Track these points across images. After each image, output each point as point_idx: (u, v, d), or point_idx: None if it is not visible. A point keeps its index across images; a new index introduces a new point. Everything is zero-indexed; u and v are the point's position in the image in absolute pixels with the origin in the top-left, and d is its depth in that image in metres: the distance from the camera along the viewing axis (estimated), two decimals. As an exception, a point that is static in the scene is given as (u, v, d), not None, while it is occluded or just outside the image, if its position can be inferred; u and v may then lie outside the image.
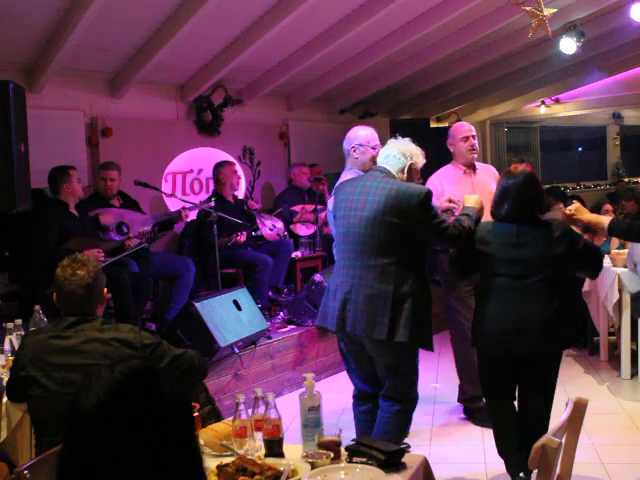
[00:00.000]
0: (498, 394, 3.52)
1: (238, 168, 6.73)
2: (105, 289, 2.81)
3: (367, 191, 3.36)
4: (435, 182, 4.55)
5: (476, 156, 4.67)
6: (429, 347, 3.38)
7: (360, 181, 3.48)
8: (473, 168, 4.64)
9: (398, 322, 3.24)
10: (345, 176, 4.01)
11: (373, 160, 3.98)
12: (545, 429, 3.24)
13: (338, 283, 3.41)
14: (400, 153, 3.44)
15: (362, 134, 4.03)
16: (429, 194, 3.32)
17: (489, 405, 3.63)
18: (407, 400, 3.39)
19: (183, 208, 5.75)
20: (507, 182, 3.43)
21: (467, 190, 4.20)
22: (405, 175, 3.43)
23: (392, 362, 3.34)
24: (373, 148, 3.99)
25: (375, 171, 3.47)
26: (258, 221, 6.41)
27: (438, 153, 8.28)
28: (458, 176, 4.57)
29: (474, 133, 4.66)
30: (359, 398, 3.58)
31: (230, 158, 6.87)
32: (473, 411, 4.60)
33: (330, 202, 3.96)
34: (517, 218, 3.37)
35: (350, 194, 3.43)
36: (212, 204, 5.70)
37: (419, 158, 3.49)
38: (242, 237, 6.10)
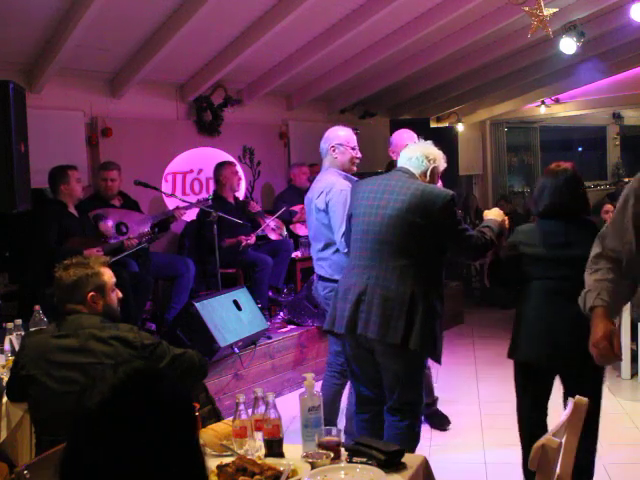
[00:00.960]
0: (535, 409, 3.33)
1: (239, 169, 6.73)
2: (92, 294, 2.82)
3: (391, 190, 3.27)
4: None
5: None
6: (438, 359, 3.26)
7: (383, 180, 3.39)
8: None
9: (413, 328, 3.12)
10: (326, 176, 3.98)
11: (352, 161, 4.00)
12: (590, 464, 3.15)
13: (351, 283, 3.28)
14: (423, 156, 3.37)
15: (342, 134, 4.01)
16: (455, 198, 3.24)
17: (524, 422, 3.39)
18: (415, 413, 3.28)
19: (177, 207, 5.75)
20: (546, 180, 3.35)
21: None
22: (427, 178, 3.36)
23: (402, 370, 3.21)
24: (353, 149, 3.98)
25: (397, 171, 3.39)
26: (261, 221, 6.42)
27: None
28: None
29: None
30: (360, 404, 3.46)
31: (230, 158, 6.87)
32: (430, 416, 4.58)
33: (321, 201, 3.91)
34: (562, 216, 3.26)
35: (372, 192, 3.33)
36: (209, 203, 5.69)
37: (441, 162, 3.43)
38: (251, 239, 6.08)
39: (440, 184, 3.58)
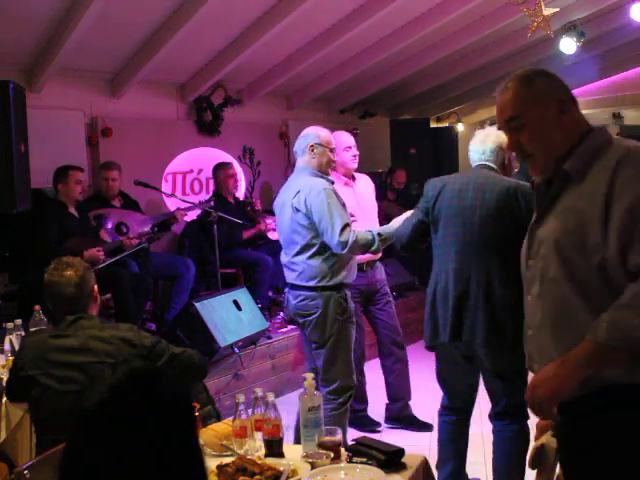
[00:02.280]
0: None
1: (237, 168, 6.73)
2: (96, 287, 2.82)
3: (483, 189, 3.17)
4: None
5: (356, 166, 4.45)
6: None
7: (468, 178, 3.26)
8: (353, 178, 4.47)
9: (520, 331, 3.11)
10: (300, 176, 3.70)
11: (329, 164, 3.75)
12: None
13: (449, 289, 3.16)
14: (497, 146, 3.25)
15: (322, 134, 3.75)
16: None
17: None
18: (524, 414, 3.20)
19: (178, 208, 5.76)
20: None
21: (350, 202, 3.99)
22: (506, 170, 3.28)
23: (511, 373, 3.16)
24: (331, 151, 3.75)
25: (479, 168, 3.27)
26: (262, 221, 6.42)
27: (438, 153, 8.33)
28: (339, 187, 4.05)
29: (354, 143, 4.43)
30: (447, 408, 3.42)
31: (230, 158, 6.88)
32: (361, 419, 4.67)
33: (299, 201, 3.59)
34: None
35: (461, 192, 3.20)
36: (211, 204, 5.69)
37: None
38: (270, 224, 6.09)
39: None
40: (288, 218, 3.67)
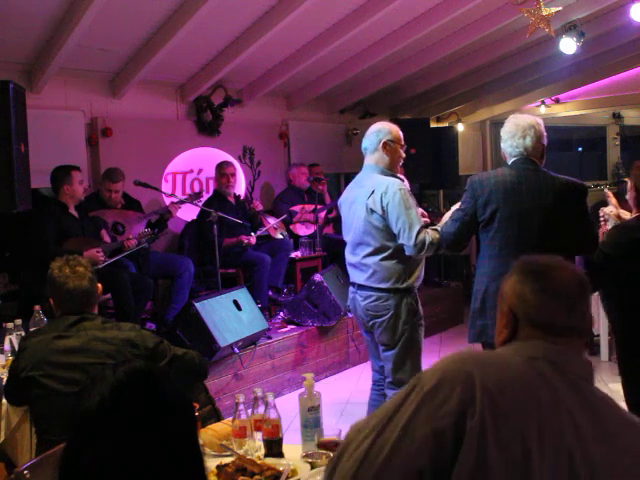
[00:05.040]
0: None
1: (237, 167, 6.72)
2: (100, 286, 2.83)
3: (534, 187, 3.14)
4: None
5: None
6: None
7: (520, 176, 3.19)
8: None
9: None
10: (373, 175, 3.53)
11: (399, 162, 3.63)
12: None
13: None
14: (537, 138, 3.22)
15: (394, 130, 3.58)
16: None
17: None
18: None
19: (172, 202, 5.76)
20: None
21: None
22: (542, 161, 3.24)
23: None
24: (401, 148, 3.62)
25: (521, 163, 3.21)
26: (263, 220, 6.42)
27: (438, 153, 8.32)
28: None
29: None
30: None
31: (230, 158, 6.88)
32: None
33: (374, 201, 3.46)
34: None
35: (515, 191, 3.16)
36: (202, 198, 5.71)
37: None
38: (253, 239, 6.08)
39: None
40: (360, 218, 3.55)
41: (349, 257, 3.68)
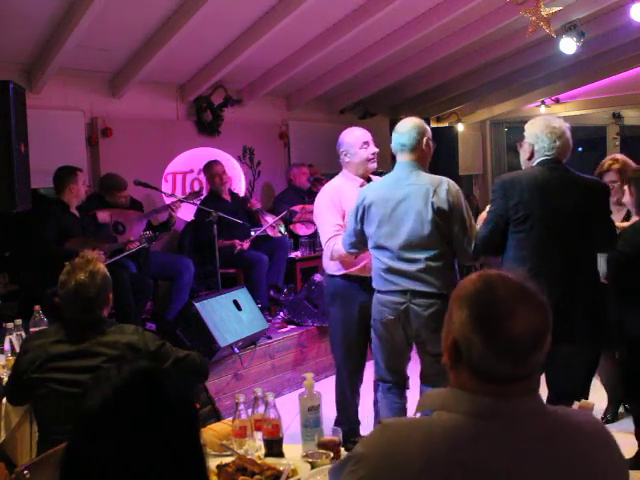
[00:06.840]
0: None
1: (232, 164, 6.74)
2: (110, 293, 2.80)
3: (564, 187, 3.13)
4: (333, 198, 3.83)
5: (376, 165, 3.89)
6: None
7: (552, 177, 3.15)
8: (369, 180, 3.84)
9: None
10: (418, 173, 3.36)
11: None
12: None
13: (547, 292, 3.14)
14: (565, 138, 3.18)
15: (428, 127, 3.51)
16: None
17: None
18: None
19: (172, 202, 5.77)
20: None
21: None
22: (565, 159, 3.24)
23: (594, 365, 3.44)
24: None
25: (552, 163, 3.17)
26: (261, 218, 6.42)
27: (438, 153, 8.29)
28: (355, 190, 3.67)
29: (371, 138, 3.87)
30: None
31: (230, 158, 6.87)
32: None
33: (440, 199, 3.26)
34: None
35: (549, 192, 3.11)
36: (201, 197, 5.71)
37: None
38: (246, 244, 6.09)
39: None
40: (420, 219, 3.27)
41: (393, 262, 3.33)
